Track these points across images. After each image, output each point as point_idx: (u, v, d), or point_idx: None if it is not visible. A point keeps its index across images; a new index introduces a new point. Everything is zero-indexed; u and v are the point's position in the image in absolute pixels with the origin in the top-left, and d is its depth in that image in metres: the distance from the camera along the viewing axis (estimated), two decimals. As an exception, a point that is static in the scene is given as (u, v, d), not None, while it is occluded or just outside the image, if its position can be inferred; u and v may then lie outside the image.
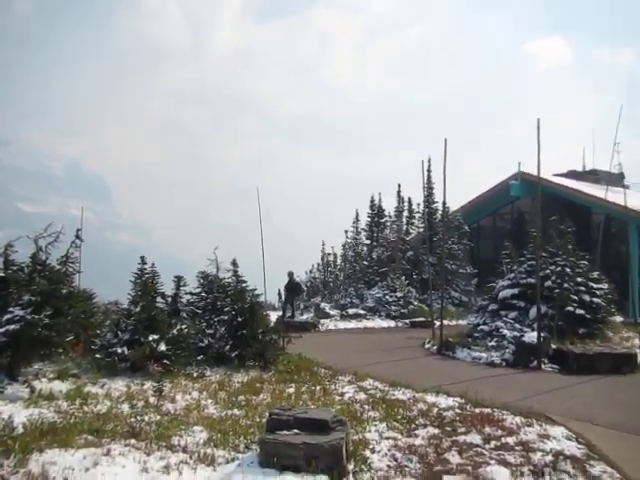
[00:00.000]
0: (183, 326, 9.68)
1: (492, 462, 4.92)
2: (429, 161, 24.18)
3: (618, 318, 14.43)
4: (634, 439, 5.78)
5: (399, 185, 29.19)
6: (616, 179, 24.10)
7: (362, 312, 20.33)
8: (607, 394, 8.25)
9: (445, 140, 13.06)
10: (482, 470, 4.72)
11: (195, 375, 8.67)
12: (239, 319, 9.96)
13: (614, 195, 20.15)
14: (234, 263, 11.70)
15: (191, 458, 4.67)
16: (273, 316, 14.35)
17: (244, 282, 11.00)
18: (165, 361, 8.65)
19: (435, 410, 6.74)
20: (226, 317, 10.22)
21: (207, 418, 6.16)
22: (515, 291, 12.99)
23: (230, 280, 11.29)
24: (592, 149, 52.62)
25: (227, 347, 9.81)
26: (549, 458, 5.00)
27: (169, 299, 11.06)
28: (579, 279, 12.65)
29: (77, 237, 8.64)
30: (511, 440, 5.55)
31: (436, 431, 5.87)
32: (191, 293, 11.46)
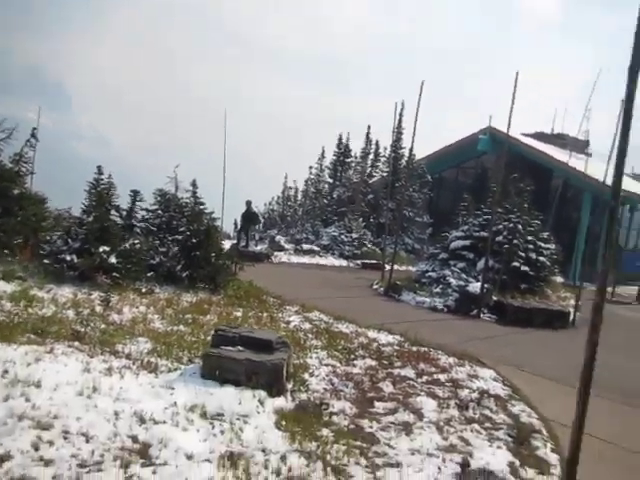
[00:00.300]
0: (136, 241, 9.57)
1: (422, 394, 5.25)
2: (402, 105, 23.96)
3: (559, 279, 15.18)
4: (555, 385, 6.25)
5: (369, 127, 28.88)
6: (582, 145, 24.51)
7: (316, 249, 20.57)
8: (537, 345, 8.83)
9: (422, 82, 12.87)
10: (412, 400, 5.04)
11: (144, 291, 8.66)
12: (193, 240, 9.90)
13: (577, 161, 20.56)
14: (194, 184, 11.44)
15: (134, 364, 4.76)
16: (227, 245, 14.36)
17: (202, 204, 10.85)
18: (114, 274, 8.58)
19: (375, 345, 7.05)
20: (180, 237, 10.13)
21: (153, 331, 6.23)
22: (467, 243, 13.38)
23: (188, 201, 11.09)
24: (563, 113, 53.85)
25: (179, 267, 9.80)
26: (475, 395, 5.37)
27: (124, 213, 10.82)
28: (529, 237, 13.12)
29: (32, 136, 8.25)
30: (442, 377, 5.91)
31: (374, 363, 6.17)
32: (147, 209, 11.22)
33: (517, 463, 3.97)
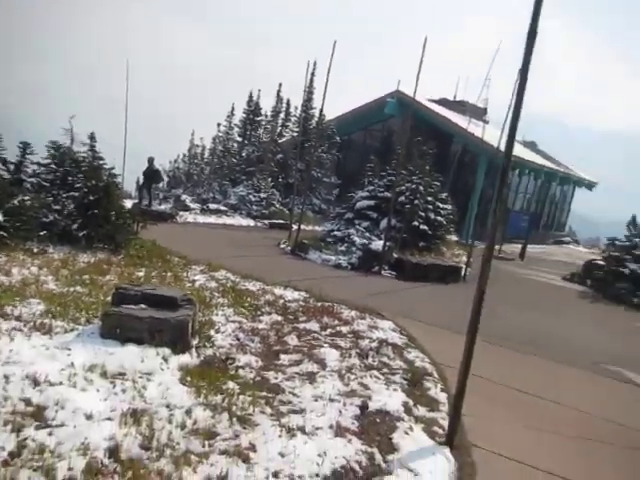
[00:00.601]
0: (26, 197, 8.83)
1: (326, 345, 5.46)
2: (314, 65, 23.85)
3: (454, 237, 16.24)
4: (445, 333, 6.76)
5: (280, 85, 28.46)
6: (480, 113, 25.87)
7: (223, 208, 20.24)
8: (432, 298, 9.47)
9: (334, 42, 12.82)
10: (316, 351, 5.24)
11: (35, 251, 8.08)
12: (91, 197, 9.32)
13: (475, 127, 21.72)
14: (92, 137, 10.70)
15: (25, 326, 4.49)
16: (129, 204, 13.77)
17: (101, 159, 10.21)
18: (1, 232, 7.92)
19: (281, 301, 7.17)
20: (77, 194, 9.49)
21: (46, 292, 5.86)
22: (371, 203, 13.84)
23: (85, 155, 10.38)
24: (466, 81, 57.03)
25: (75, 226, 9.22)
26: (374, 344, 5.69)
27: (11, 167, 9.91)
28: (429, 198, 13.83)
29: None
30: (345, 329, 6.17)
31: (280, 318, 6.30)
32: (39, 164, 10.34)
33: (411, 403, 4.30)
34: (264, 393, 4.11)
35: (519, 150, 23.73)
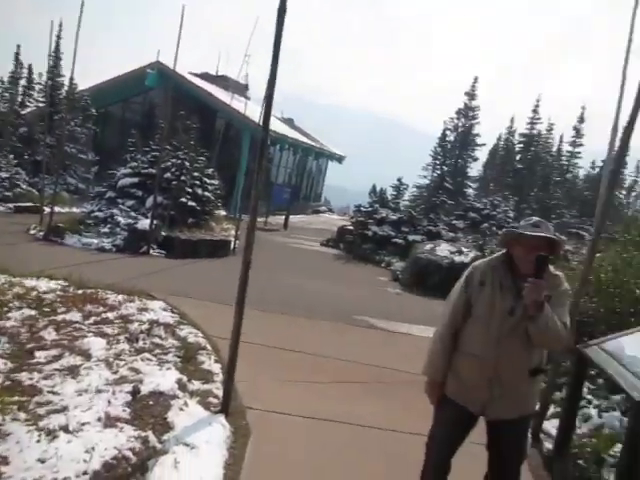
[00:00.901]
0: None
1: (90, 335, 5.08)
2: (60, 26, 21.17)
3: (222, 212, 16.49)
4: (217, 306, 6.88)
5: (18, 46, 24.61)
6: (242, 89, 26.40)
7: (-54, 195, 16.87)
8: (203, 273, 9.55)
9: (82, 2, 11.57)
10: (78, 342, 4.83)
11: None
12: None
13: (238, 103, 22.12)
14: None
15: None
16: None
17: None
18: None
19: (34, 293, 6.37)
20: None
21: None
22: (135, 180, 13.16)
23: None
24: (227, 56, 57.25)
25: None
26: (145, 327, 5.50)
27: None
28: (196, 173, 13.72)
29: None
30: (111, 315, 5.82)
31: (33, 312, 5.60)
32: None
33: (185, 379, 4.31)
34: (16, 398, 3.65)
35: (279, 126, 25.11)
